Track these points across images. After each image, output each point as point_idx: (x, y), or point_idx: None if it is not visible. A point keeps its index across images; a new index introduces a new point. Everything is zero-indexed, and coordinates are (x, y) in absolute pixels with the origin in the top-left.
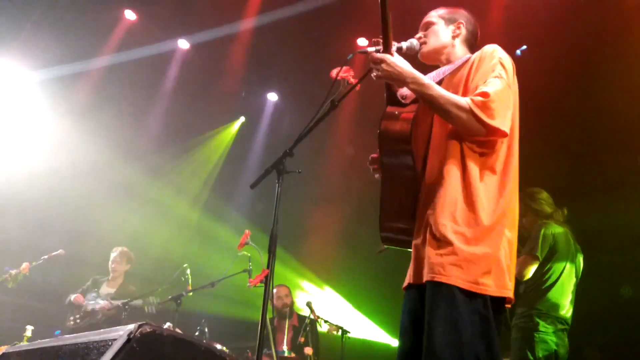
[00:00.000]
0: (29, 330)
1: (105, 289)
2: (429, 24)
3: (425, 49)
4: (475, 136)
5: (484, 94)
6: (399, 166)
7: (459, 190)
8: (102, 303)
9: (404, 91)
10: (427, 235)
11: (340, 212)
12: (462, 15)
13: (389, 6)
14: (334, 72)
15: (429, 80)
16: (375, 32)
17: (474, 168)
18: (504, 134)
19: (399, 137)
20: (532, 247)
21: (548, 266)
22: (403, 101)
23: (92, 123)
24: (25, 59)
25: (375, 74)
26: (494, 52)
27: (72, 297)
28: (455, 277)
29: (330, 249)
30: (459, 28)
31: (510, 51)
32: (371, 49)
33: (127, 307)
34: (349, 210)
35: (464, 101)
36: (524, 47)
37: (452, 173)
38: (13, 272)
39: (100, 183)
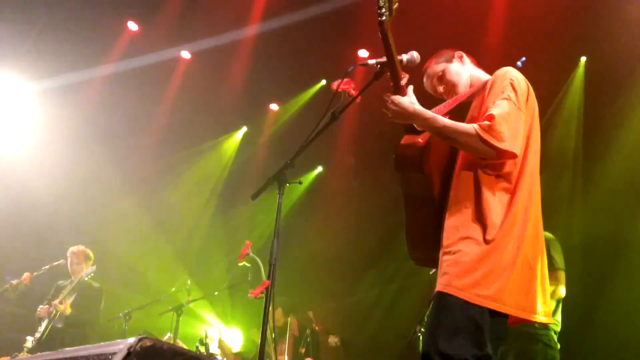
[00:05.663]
0: (29, 341)
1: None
2: (441, 74)
3: (457, 90)
4: (487, 159)
5: (490, 117)
6: (416, 194)
7: (473, 210)
8: (54, 301)
9: None
10: (441, 254)
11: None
12: (450, 50)
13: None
14: (335, 85)
15: (432, 114)
16: (376, 44)
17: (488, 191)
18: (513, 155)
19: (411, 166)
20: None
21: None
22: (418, 128)
23: (94, 133)
24: (29, 69)
25: (388, 113)
26: (505, 74)
27: (38, 310)
28: (456, 288)
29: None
30: (460, 58)
31: (510, 64)
32: (372, 62)
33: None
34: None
35: (471, 127)
36: (524, 58)
37: (467, 196)
38: (14, 282)
39: (102, 193)
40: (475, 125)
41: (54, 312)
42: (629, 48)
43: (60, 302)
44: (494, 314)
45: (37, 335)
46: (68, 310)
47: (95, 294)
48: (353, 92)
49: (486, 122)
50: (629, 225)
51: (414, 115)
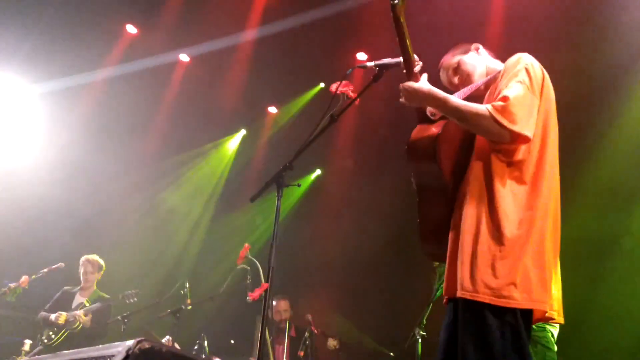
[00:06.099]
0: (27, 344)
1: (78, 299)
2: (456, 66)
3: (472, 79)
4: (500, 143)
5: (504, 98)
6: (429, 184)
7: (485, 202)
8: (77, 312)
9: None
10: (457, 250)
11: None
12: (467, 43)
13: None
14: (333, 87)
15: (446, 94)
16: (373, 46)
17: (500, 179)
18: (526, 139)
19: (424, 156)
20: None
21: None
22: (432, 118)
23: (93, 136)
24: (28, 72)
25: (402, 100)
26: (519, 59)
27: (53, 316)
28: (483, 294)
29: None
30: (477, 49)
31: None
32: (370, 64)
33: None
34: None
35: (484, 108)
36: None
37: (480, 186)
38: (12, 285)
39: (101, 196)
40: (489, 106)
41: (77, 323)
42: (622, 51)
43: (85, 314)
44: (524, 313)
45: (45, 340)
46: (88, 324)
47: (109, 309)
48: (352, 95)
49: (500, 103)
50: (619, 225)
51: (428, 96)
